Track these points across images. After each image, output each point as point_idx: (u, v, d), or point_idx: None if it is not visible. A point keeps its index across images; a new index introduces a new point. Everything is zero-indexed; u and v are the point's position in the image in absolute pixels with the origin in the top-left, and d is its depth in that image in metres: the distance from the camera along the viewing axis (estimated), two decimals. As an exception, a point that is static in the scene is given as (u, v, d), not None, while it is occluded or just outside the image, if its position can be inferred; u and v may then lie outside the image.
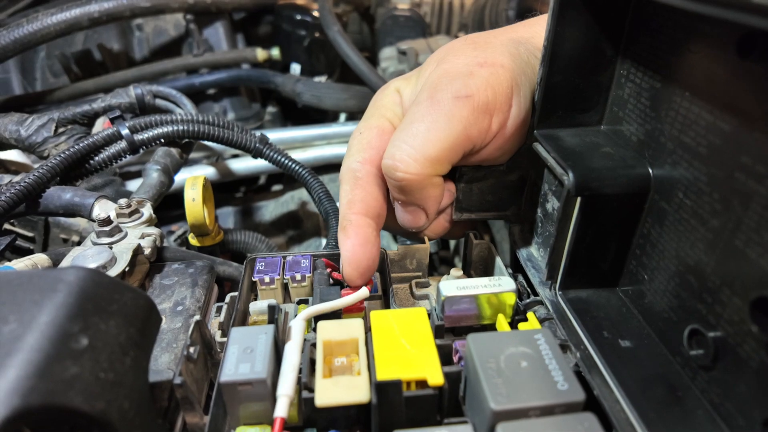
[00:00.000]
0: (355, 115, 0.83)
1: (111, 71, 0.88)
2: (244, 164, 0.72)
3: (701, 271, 0.27)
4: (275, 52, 0.88)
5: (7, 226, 0.56)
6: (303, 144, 0.74)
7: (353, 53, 0.75)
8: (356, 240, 0.36)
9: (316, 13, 0.90)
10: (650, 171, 0.30)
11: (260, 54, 0.85)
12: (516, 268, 0.42)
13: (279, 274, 0.39)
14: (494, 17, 1.15)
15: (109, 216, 0.40)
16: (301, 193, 0.76)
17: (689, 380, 0.28)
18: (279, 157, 0.55)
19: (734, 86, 0.24)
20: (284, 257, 0.41)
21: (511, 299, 0.33)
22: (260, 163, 0.70)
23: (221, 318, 0.37)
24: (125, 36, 0.93)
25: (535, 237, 0.41)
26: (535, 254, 0.41)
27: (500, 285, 0.33)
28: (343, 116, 0.85)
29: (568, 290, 0.35)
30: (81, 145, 0.48)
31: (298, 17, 0.87)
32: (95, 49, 0.90)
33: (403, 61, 0.88)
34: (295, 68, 0.90)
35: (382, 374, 0.27)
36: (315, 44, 0.88)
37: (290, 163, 0.55)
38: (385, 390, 0.26)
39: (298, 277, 0.39)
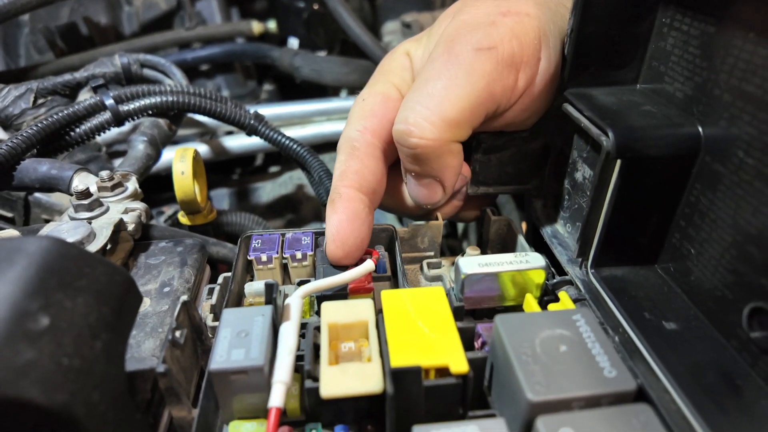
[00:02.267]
0: (356, 91, 0.79)
1: (98, 46, 0.84)
2: (238, 142, 0.67)
3: (765, 240, 0.23)
4: (272, 24, 0.83)
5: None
6: (301, 120, 0.69)
7: (355, 24, 0.70)
8: (344, 215, 0.33)
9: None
10: (700, 130, 0.27)
11: (256, 27, 0.81)
12: (538, 248, 0.38)
13: (277, 253, 0.35)
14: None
15: (88, 188, 0.36)
16: (300, 174, 0.72)
17: (748, 367, 0.25)
18: (274, 135, 0.51)
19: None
20: (283, 235, 0.37)
21: (540, 277, 0.30)
22: (256, 142, 0.65)
23: (213, 300, 0.33)
24: (113, 9, 0.88)
25: (561, 212, 0.37)
26: (560, 231, 0.37)
27: (528, 261, 0.30)
28: (344, 92, 0.81)
29: (602, 268, 0.32)
30: (60, 114, 0.44)
31: (296, -12, 0.82)
32: (81, 22, 0.85)
33: (408, 35, 0.84)
34: (293, 42, 0.85)
35: (398, 360, 0.23)
36: (314, 17, 0.84)
37: (286, 141, 0.51)
38: (402, 378, 0.22)
39: (299, 255, 0.35)
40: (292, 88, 0.85)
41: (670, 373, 0.25)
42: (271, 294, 0.27)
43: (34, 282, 0.19)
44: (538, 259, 0.30)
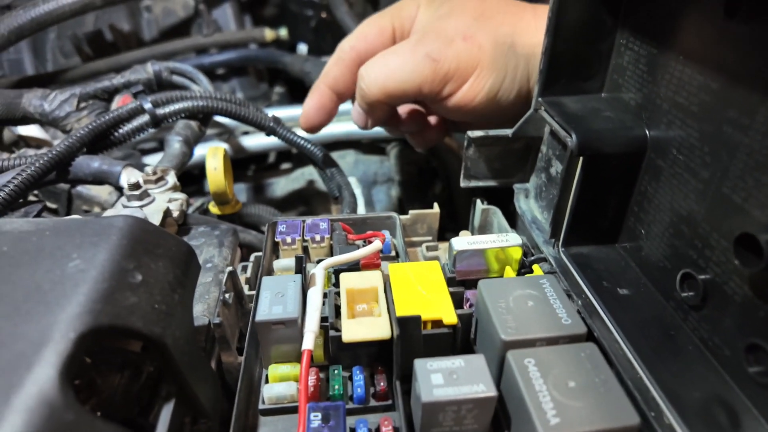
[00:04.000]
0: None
1: (121, 52, 0.90)
2: (254, 141, 0.74)
3: (693, 219, 0.29)
4: (283, 32, 0.90)
5: (31, 197, 0.59)
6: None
7: (360, 33, 0.77)
8: (314, 102, 0.49)
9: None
10: (647, 132, 0.33)
11: (268, 34, 0.87)
12: (521, 232, 0.44)
13: (300, 236, 0.42)
14: None
15: (138, 181, 0.42)
16: (311, 171, 0.79)
17: (681, 321, 0.31)
18: (290, 136, 0.58)
19: (722, 46, 0.26)
20: (303, 221, 0.43)
21: (517, 253, 0.36)
22: (270, 141, 0.72)
23: (248, 274, 0.40)
24: (134, 17, 0.94)
25: (539, 201, 0.43)
26: (539, 217, 0.43)
27: (507, 240, 0.36)
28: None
29: (570, 247, 0.38)
30: (107, 117, 0.50)
31: (305, -2, 0.88)
32: (106, 29, 0.92)
33: (408, 42, 0.90)
34: (302, 48, 0.92)
35: (402, 312, 0.30)
36: (322, 24, 0.90)
37: (301, 141, 0.58)
38: (406, 324, 0.28)
39: (318, 238, 0.42)
40: (301, 91, 0.91)
41: (619, 326, 0.31)
42: (300, 265, 0.34)
43: (128, 248, 0.26)
44: (515, 239, 0.36)
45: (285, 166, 0.86)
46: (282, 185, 0.78)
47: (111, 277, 0.24)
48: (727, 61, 0.26)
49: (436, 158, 0.74)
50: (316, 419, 0.27)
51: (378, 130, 0.73)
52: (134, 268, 0.25)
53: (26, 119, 0.57)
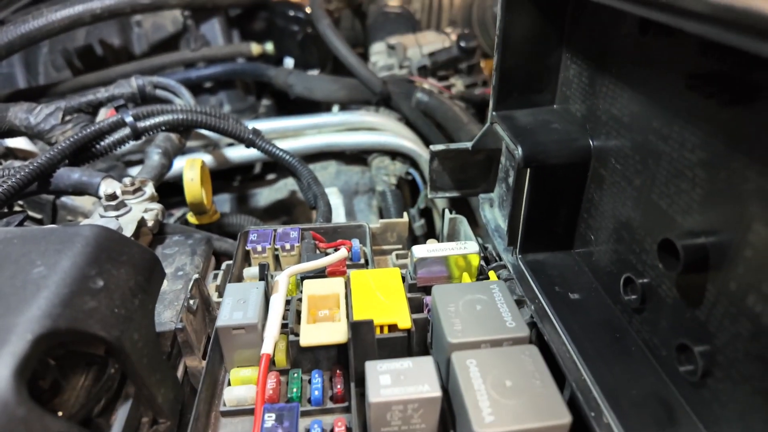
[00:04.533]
0: (346, 106, 0.87)
1: (111, 65, 0.92)
2: (238, 153, 0.75)
3: (630, 225, 0.31)
4: (269, 46, 0.92)
5: (17, 207, 0.60)
6: (295, 133, 0.78)
7: (342, 46, 0.79)
8: None
9: (308, 9, 0.94)
10: (591, 142, 0.35)
11: (255, 48, 0.89)
12: (487, 241, 0.46)
13: (270, 244, 0.43)
14: (481, 14, 1.19)
15: (114, 192, 0.44)
16: (294, 182, 0.80)
17: (627, 323, 0.32)
18: (269, 147, 0.59)
19: (641, 60, 0.28)
20: (275, 230, 0.45)
21: (475, 260, 0.38)
22: (253, 152, 0.74)
23: (218, 282, 0.41)
24: (125, 32, 0.97)
25: (502, 210, 0.45)
26: (501, 225, 0.45)
27: (465, 248, 0.38)
28: (335, 108, 0.89)
29: (527, 254, 0.39)
30: (88, 130, 0.52)
31: (291, 13, 0.91)
32: (96, 44, 0.94)
33: (393, 55, 0.92)
34: (289, 62, 0.94)
35: (358, 316, 0.31)
36: (307, 39, 0.92)
37: (279, 152, 0.59)
38: (359, 328, 0.30)
39: (288, 246, 0.43)
40: (288, 103, 0.93)
41: (568, 331, 0.32)
42: (263, 272, 0.35)
43: (92, 256, 0.27)
44: (473, 246, 0.38)
45: (270, 176, 0.87)
46: (265, 195, 0.80)
47: (72, 283, 0.25)
48: (647, 74, 0.28)
49: (416, 169, 0.76)
50: (270, 419, 0.28)
51: (358, 141, 0.75)
52: (96, 274, 0.27)
53: (12, 132, 0.58)
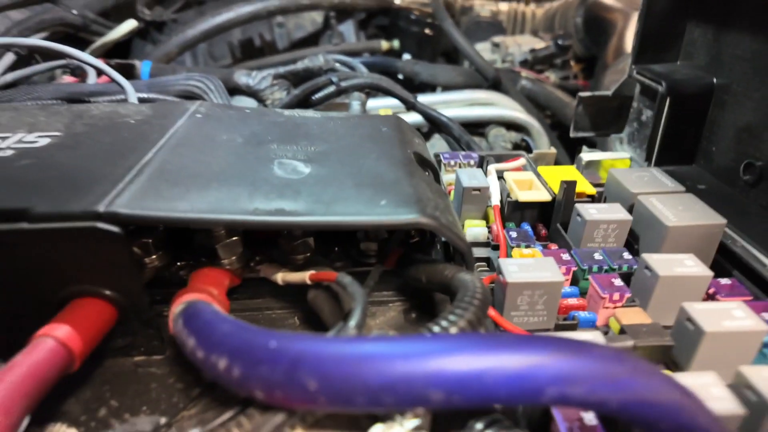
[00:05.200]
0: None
1: (260, 57, 1.13)
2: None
3: (749, 127, 0.46)
4: (396, 43, 1.11)
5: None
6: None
7: (462, 39, 0.96)
8: None
9: (417, 13, 1.13)
10: (714, 80, 0.50)
11: (384, 45, 1.08)
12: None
13: (458, 159, 0.60)
14: (563, 24, 1.36)
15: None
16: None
17: (744, 198, 0.47)
18: (427, 110, 0.77)
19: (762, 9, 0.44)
20: (460, 153, 0.61)
21: (626, 164, 0.53)
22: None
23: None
24: (271, 30, 1.17)
25: (631, 144, 0.60)
26: (632, 155, 0.60)
27: (617, 155, 0.53)
28: (439, 89, 1.06)
29: (659, 167, 0.55)
30: (309, 85, 0.70)
31: (413, 17, 1.09)
32: (247, 39, 1.15)
33: (496, 52, 1.09)
34: (406, 57, 1.12)
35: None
36: (423, 39, 1.11)
37: (435, 113, 0.77)
38: (568, 186, 0.45)
39: (472, 162, 0.59)
40: (410, 88, 1.11)
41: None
42: (482, 164, 0.52)
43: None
44: (624, 154, 0.53)
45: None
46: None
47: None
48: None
49: (529, 137, 0.92)
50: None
51: (479, 113, 0.92)
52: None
53: (236, 90, 0.77)
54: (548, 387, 0.18)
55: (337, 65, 0.81)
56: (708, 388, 0.26)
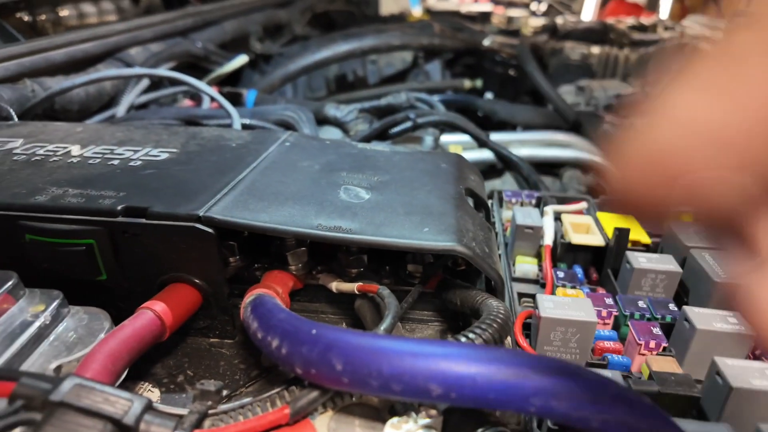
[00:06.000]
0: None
1: (352, 91, 1.22)
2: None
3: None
4: (479, 82, 1.15)
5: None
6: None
7: (544, 81, 0.99)
8: None
9: (504, 54, 1.17)
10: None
11: (466, 83, 1.13)
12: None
13: (521, 198, 0.62)
14: (657, 70, 1.33)
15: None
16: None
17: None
18: (498, 147, 0.80)
19: None
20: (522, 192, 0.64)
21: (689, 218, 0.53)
22: (470, 156, 0.95)
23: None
24: (364, 67, 1.27)
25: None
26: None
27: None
28: (519, 128, 1.08)
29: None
30: (385, 121, 0.77)
31: (498, 58, 1.14)
32: (349, 73, 1.26)
33: (579, 95, 1.10)
34: (488, 96, 1.16)
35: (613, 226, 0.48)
36: (506, 79, 1.14)
37: (505, 151, 0.79)
38: (621, 233, 0.46)
39: (533, 201, 0.62)
40: (489, 126, 1.15)
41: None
42: (539, 203, 0.54)
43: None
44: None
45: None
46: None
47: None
48: None
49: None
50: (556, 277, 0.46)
51: (555, 154, 0.93)
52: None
53: (325, 120, 0.86)
54: (533, 397, 0.21)
55: (418, 103, 0.87)
56: (718, 438, 0.27)
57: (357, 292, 0.36)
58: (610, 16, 2.34)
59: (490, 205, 0.60)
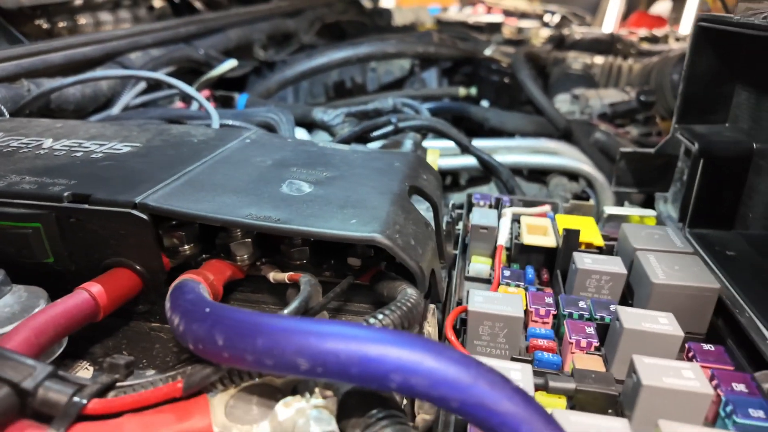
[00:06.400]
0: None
1: (351, 97, 1.24)
2: (447, 162, 0.98)
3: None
4: (473, 90, 1.16)
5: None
6: (490, 151, 0.98)
7: (535, 89, 0.99)
8: None
9: (504, 63, 1.18)
10: (754, 145, 0.48)
11: (461, 91, 1.14)
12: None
13: (489, 201, 0.62)
14: (659, 80, 1.31)
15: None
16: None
17: (771, 270, 0.44)
18: (479, 153, 0.80)
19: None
20: (494, 196, 0.64)
21: (651, 221, 0.52)
22: (458, 162, 0.95)
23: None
24: (363, 74, 1.29)
25: (674, 204, 0.58)
26: (673, 215, 0.58)
27: (645, 213, 0.52)
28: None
29: (694, 228, 0.52)
30: (367, 124, 0.78)
31: (494, 67, 1.14)
32: (342, 81, 1.28)
33: (575, 103, 1.09)
34: (484, 104, 1.17)
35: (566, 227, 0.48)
36: (502, 87, 1.15)
37: (486, 156, 0.80)
38: (570, 234, 0.46)
39: (507, 204, 0.62)
40: (481, 132, 1.15)
41: (727, 273, 0.45)
42: (498, 205, 0.54)
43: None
44: (651, 212, 0.52)
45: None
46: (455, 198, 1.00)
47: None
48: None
49: (591, 189, 0.90)
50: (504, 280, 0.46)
51: (541, 161, 0.93)
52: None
53: (313, 125, 0.88)
54: (392, 373, 0.21)
55: (405, 108, 0.89)
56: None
57: (288, 282, 0.37)
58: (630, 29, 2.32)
59: (464, 207, 0.60)
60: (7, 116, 0.63)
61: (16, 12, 0.98)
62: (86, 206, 0.36)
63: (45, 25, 1.15)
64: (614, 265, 0.43)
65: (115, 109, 0.80)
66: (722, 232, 0.51)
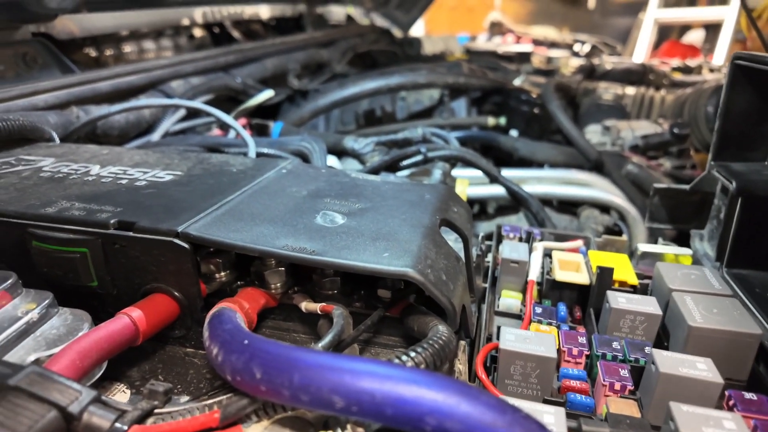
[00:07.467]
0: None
1: (381, 125, 1.26)
2: (475, 190, 0.98)
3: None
4: (502, 120, 1.16)
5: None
6: (519, 181, 0.97)
7: (566, 120, 0.99)
8: None
9: (534, 94, 1.18)
10: (797, 184, 0.47)
11: (490, 121, 1.15)
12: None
13: (519, 233, 0.62)
14: (693, 111, 1.29)
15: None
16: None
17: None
18: (508, 183, 0.80)
19: None
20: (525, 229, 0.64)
21: (687, 261, 0.51)
22: (484, 190, 0.96)
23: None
24: (393, 103, 1.32)
25: (710, 242, 0.57)
26: (710, 253, 0.57)
27: (680, 251, 0.51)
28: (546, 166, 1.08)
29: (733, 268, 0.51)
30: (398, 152, 0.79)
31: (524, 97, 1.15)
32: (378, 108, 1.30)
33: (606, 135, 1.09)
34: (513, 133, 1.17)
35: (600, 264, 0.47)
36: (532, 117, 1.15)
37: (516, 187, 0.80)
38: (604, 272, 0.46)
39: (538, 238, 0.61)
40: (509, 162, 1.15)
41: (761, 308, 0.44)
42: (529, 238, 0.54)
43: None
44: (687, 251, 0.51)
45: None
46: (483, 228, 1.00)
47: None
48: None
49: (623, 223, 0.89)
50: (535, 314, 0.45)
51: (573, 193, 0.92)
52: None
53: (344, 153, 0.90)
54: (427, 416, 0.22)
55: (434, 137, 0.90)
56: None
57: (320, 312, 0.37)
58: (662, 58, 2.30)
59: (494, 239, 0.60)
60: (58, 142, 0.67)
61: (68, 42, 1.05)
62: (131, 234, 0.37)
63: (93, 54, 1.22)
64: (649, 305, 0.42)
65: (155, 136, 0.84)
66: (762, 273, 0.50)
